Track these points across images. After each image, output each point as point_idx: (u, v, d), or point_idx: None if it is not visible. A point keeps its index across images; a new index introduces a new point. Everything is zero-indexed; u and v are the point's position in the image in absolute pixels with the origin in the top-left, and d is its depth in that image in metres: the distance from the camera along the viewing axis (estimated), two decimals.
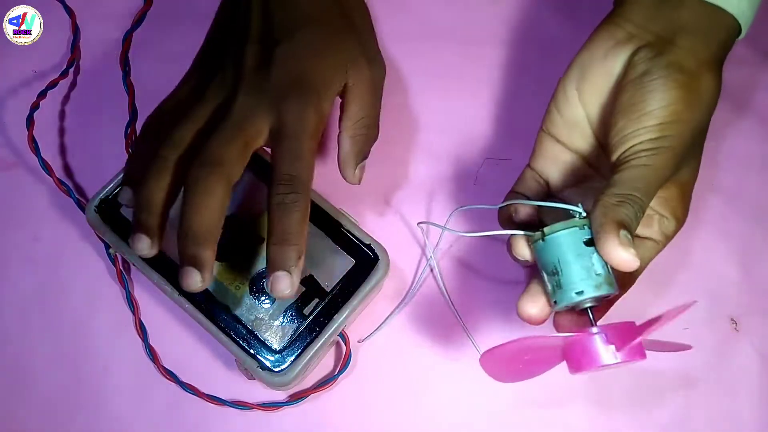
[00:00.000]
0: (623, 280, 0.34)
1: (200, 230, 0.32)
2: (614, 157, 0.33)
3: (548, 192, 0.39)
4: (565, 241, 0.31)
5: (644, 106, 0.33)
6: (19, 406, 0.41)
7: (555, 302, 0.32)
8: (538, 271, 0.33)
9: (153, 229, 0.34)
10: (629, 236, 0.30)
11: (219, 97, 0.36)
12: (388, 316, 0.42)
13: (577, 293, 0.31)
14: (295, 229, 0.33)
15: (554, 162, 0.38)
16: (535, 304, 0.33)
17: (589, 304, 0.32)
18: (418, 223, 0.44)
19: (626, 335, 0.30)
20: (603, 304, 0.34)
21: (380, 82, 0.40)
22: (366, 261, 0.40)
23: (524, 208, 0.36)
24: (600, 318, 0.34)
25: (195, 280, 0.32)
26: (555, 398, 0.41)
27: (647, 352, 0.30)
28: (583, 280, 0.31)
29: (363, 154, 0.39)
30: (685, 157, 0.34)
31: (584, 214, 0.32)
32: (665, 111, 0.32)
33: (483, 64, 0.48)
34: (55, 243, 0.44)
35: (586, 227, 0.31)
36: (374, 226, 0.43)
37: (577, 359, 0.30)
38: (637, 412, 0.41)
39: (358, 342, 0.42)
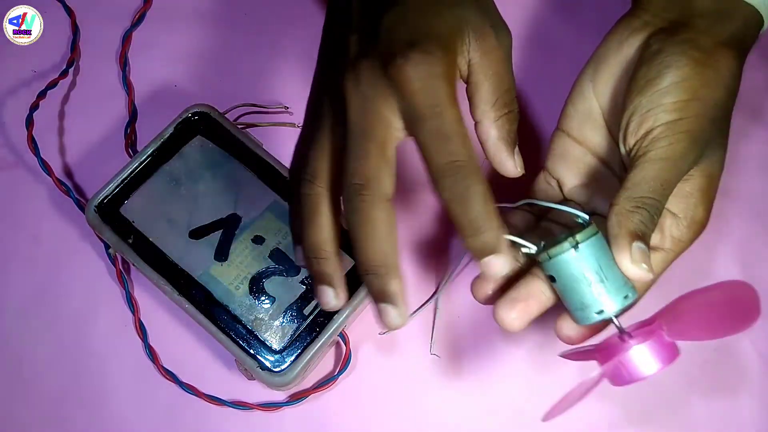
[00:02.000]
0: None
1: (377, 263, 0.29)
2: (629, 145, 0.32)
3: (561, 196, 0.38)
4: (600, 244, 0.30)
5: (659, 82, 0.31)
6: (19, 406, 0.41)
7: (600, 312, 0.30)
8: (566, 285, 0.31)
9: (330, 275, 0.30)
10: (643, 246, 0.29)
11: (334, 107, 0.31)
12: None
13: (624, 298, 0.30)
14: (484, 214, 0.28)
15: (564, 158, 0.37)
16: (513, 310, 0.32)
17: (616, 314, 0.30)
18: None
19: (656, 335, 0.29)
20: None
21: (510, 52, 0.33)
22: None
23: (522, 220, 0.36)
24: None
25: (393, 317, 0.29)
26: (551, 396, 0.41)
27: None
28: (626, 284, 0.30)
29: (514, 138, 0.32)
30: (707, 142, 0.32)
31: (589, 221, 0.30)
32: (681, 87, 0.31)
33: None
34: (54, 243, 0.44)
35: (599, 233, 0.30)
36: None
37: (620, 375, 0.30)
38: (636, 411, 0.41)
39: (379, 334, 0.42)
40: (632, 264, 0.29)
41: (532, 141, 0.46)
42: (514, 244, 0.30)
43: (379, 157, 0.29)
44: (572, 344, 0.32)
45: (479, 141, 0.32)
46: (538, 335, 0.42)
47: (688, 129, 0.31)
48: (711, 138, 0.32)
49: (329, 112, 0.31)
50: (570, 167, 0.37)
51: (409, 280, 0.43)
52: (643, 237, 0.29)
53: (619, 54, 0.35)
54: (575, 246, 0.30)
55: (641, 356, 0.29)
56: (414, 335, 0.42)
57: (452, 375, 0.42)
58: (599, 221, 0.31)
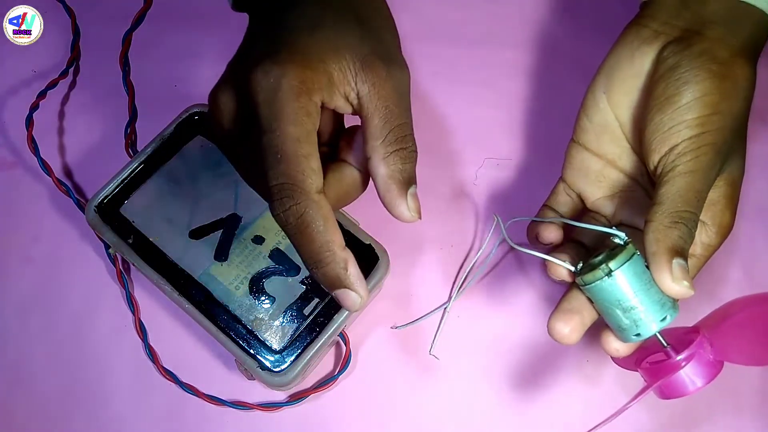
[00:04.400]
0: None
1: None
2: (654, 162, 0.32)
3: (581, 206, 0.38)
4: (634, 270, 0.30)
5: (679, 99, 0.31)
6: (19, 406, 0.41)
7: (638, 335, 0.30)
8: (599, 309, 0.31)
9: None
10: (683, 262, 0.29)
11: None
12: (438, 308, 0.42)
13: (662, 320, 0.30)
14: (319, 245, 0.28)
15: (584, 172, 0.37)
16: (567, 324, 0.32)
17: (658, 330, 0.30)
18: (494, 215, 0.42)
19: (699, 355, 0.29)
20: None
21: (406, 87, 0.30)
22: (366, 261, 0.40)
23: (549, 233, 0.35)
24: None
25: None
26: (552, 397, 0.41)
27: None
28: (664, 305, 0.30)
29: (408, 178, 0.29)
30: (729, 152, 0.32)
31: (627, 240, 0.30)
32: (701, 103, 0.31)
33: (483, 65, 0.48)
34: (54, 243, 0.44)
35: (638, 254, 0.30)
36: (377, 224, 0.43)
37: (676, 388, 0.30)
38: (636, 411, 0.41)
39: (391, 328, 0.42)
40: (673, 283, 0.29)
41: (532, 141, 0.46)
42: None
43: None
44: (620, 356, 0.32)
45: (372, 178, 0.30)
46: (543, 337, 0.42)
47: (712, 142, 0.31)
48: (732, 147, 0.32)
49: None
50: (591, 181, 0.37)
51: (421, 280, 0.43)
52: (682, 253, 0.29)
53: (633, 65, 0.34)
54: (608, 274, 0.30)
55: (685, 376, 0.29)
56: (414, 335, 0.42)
57: (452, 376, 0.41)
58: (632, 234, 0.31)
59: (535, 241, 0.36)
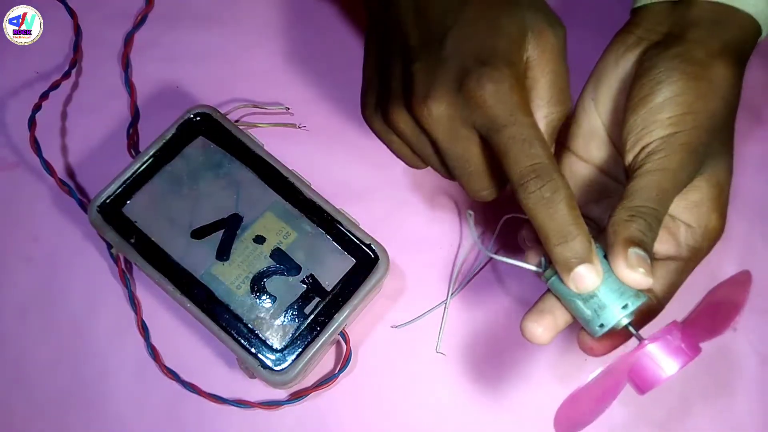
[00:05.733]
0: (647, 311, 0.33)
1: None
2: (628, 161, 0.32)
3: None
4: None
5: (653, 98, 0.31)
6: (19, 406, 0.41)
7: (602, 325, 0.30)
8: (565, 304, 0.31)
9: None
10: (641, 252, 0.29)
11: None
12: (438, 305, 0.43)
13: (623, 308, 0.30)
14: (570, 219, 0.29)
15: (573, 178, 0.37)
16: (539, 324, 0.32)
17: (627, 321, 0.30)
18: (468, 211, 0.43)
19: (681, 335, 0.29)
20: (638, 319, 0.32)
21: (564, 44, 0.33)
22: (366, 261, 0.40)
23: (531, 232, 0.35)
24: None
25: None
26: (554, 396, 0.41)
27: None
28: (623, 292, 0.30)
29: (557, 133, 0.34)
30: (707, 153, 0.32)
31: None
32: (674, 102, 0.31)
33: None
34: (56, 243, 0.44)
35: (599, 246, 0.30)
36: (377, 224, 0.43)
37: (642, 377, 0.29)
38: (636, 410, 0.41)
39: (391, 327, 0.42)
40: (628, 268, 0.29)
41: None
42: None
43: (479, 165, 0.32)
44: (596, 355, 0.32)
45: None
46: None
47: (684, 141, 0.31)
48: (711, 148, 0.32)
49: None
50: (579, 187, 0.37)
51: (421, 279, 0.44)
52: (640, 244, 0.29)
53: (617, 71, 0.35)
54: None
55: (652, 361, 0.29)
56: (414, 334, 0.42)
57: (452, 374, 0.42)
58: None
59: (524, 243, 0.36)
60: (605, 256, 0.30)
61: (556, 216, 0.29)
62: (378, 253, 0.40)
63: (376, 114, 0.34)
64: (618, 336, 0.32)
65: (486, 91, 0.30)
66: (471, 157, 0.32)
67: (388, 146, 0.35)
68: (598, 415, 0.30)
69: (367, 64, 0.35)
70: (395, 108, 0.32)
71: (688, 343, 0.29)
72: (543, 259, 0.31)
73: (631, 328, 0.30)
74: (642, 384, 0.29)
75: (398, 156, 0.35)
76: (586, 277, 0.29)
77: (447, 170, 0.34)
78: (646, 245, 0.29)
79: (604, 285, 0.30)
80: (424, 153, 0.34)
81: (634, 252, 0.29)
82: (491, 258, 0.43)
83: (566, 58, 0.33)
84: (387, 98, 0.33)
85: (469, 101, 0.30)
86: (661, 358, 0.29)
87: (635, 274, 0.29)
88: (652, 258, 0.30)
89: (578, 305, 0.30)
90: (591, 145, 0.36)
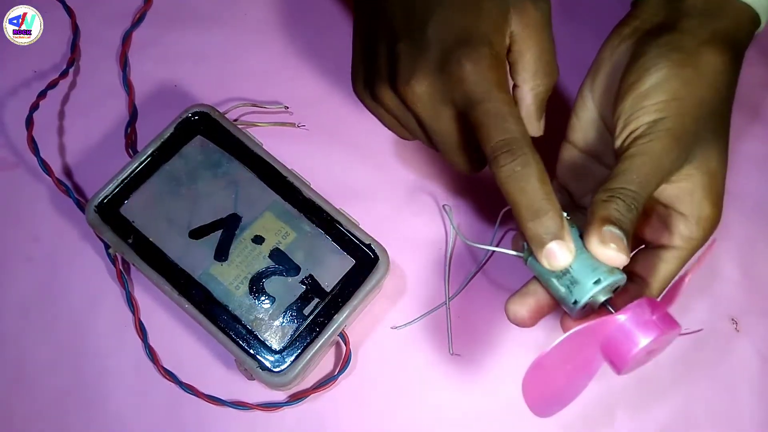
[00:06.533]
0: (633, 296, 0.32)
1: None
2: (616, 146, 0.33)
3: (571, 202, 0.38)
4: None
5: (640, 85, 0.32)
6: (19, 406, 0.41)
7: (575, 302, 0.30)
8: (543, 284, 0.32)
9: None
10: (616, 231, 0.29)
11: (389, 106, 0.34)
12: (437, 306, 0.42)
13: (594, 282, 0.30)
14: (542, 194, 0.29)
15: (572, 169, 0.38)
16: (522, 305, 0.32)
17: (604, 297, 0.31)
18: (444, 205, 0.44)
19: (652, 308, 0.29)
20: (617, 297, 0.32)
21: (549, 19, 0.34)
22: (366, 261, 0.40)
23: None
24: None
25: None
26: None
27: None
28: (596, 269, 0.30)
29: (545, 105, 0.35)
30: (696, 140, 0.32)
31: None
32: (659, 89, 0.31)
33: None
34: (54, 243, 0.44)
35: (575, 226, 0.31)
36: (377, 224, 0.43)
37: (617, 349, 0.29)
38: (637, 410, 0.41)
39: (391, 328, 0.42)
40: (600, 244, 0.29)
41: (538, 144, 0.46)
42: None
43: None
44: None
45: (517, 101, 0.35)
46: (543, 337, 0.42)
47: (669, 127, 0.31)
48: (700, 136, 0.32)
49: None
50: (579, 177, 0.37)
51: (421, 279, 0.43)
52: (617, 223, 0.29)
53: (612, 61, 0.35)
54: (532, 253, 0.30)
55: (626, 330, 0.29)
56: (413, 335, 0.42)
57: (452, 374, 0.42)
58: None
59: (517, 246, 0.36)
60: (581, 236, 0.30)
61: (527, 189, 0.29)
62: (378, 254, 0.40)
63: (366, 91, 0.35)
64: (598, 316, 0.32)
65: (464, 69, 0.31)
66: (452, 133, 0.33)
67: (379, 119, 0.37)
68: (573, 392, 0.30)
69: (355, 43, 0.36)
70: (381, 87, 0.34)
71: (661, 317, 0.29)
72: (524, 243, 0.32)
73: (609, 307, 0.30)
74: (616, 359, 0.29)
75: (389, 128, 0.37)
76: (558, 253, 0.29)
77: (432, 143, 0.35)
78: (622, 224, 0.30)
79: (578, 262, 0.30)
80: (411, 127, 0.35)
81: (609, 229, 0.29)
82: (472, 246, 0.43)
83: (551, 31, 0.34)
84: (374, 77, 0.34)
85: (449, 80, 0.31)
86: (632, 330, 0.29)
87: (607, 249, 0.29)
88: (629, 239, 0.30)
89: (553, 283, 0.31)
90: (589, 137, 0.37)
